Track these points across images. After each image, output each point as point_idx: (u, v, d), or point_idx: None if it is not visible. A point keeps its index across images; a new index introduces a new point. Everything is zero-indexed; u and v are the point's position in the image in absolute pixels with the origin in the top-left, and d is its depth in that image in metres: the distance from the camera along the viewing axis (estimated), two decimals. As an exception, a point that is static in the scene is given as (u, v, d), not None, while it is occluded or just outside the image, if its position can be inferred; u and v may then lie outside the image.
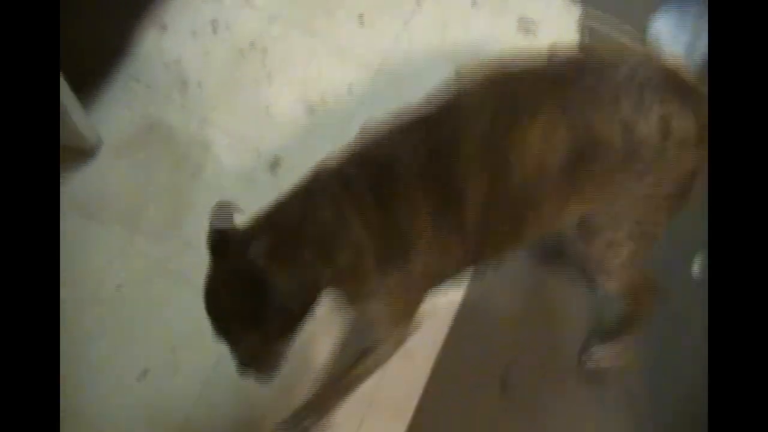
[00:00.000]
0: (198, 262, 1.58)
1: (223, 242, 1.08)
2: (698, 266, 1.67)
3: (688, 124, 1.05)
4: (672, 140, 1.04)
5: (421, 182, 1.06)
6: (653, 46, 1.89)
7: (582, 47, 1.10)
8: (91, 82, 1.76)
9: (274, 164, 1.71)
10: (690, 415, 1.54)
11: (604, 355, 1.54)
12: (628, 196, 1.11)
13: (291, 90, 1.82)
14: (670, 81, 1.07)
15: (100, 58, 1.80)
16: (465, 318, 1.58)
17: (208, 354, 1.50)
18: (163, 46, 1.85)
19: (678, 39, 1.87)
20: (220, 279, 1.08)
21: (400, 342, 1.31)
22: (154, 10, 1.88)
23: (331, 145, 1.71)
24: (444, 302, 1.58)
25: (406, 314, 1.26)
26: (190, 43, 1.85)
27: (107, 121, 1.73)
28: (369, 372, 1.35)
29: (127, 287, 1.57)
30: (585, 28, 1.93)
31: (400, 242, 1.10)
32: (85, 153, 1.67)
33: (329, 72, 1.84)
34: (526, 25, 1.93)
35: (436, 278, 1.24)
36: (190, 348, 1.52)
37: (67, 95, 1.52)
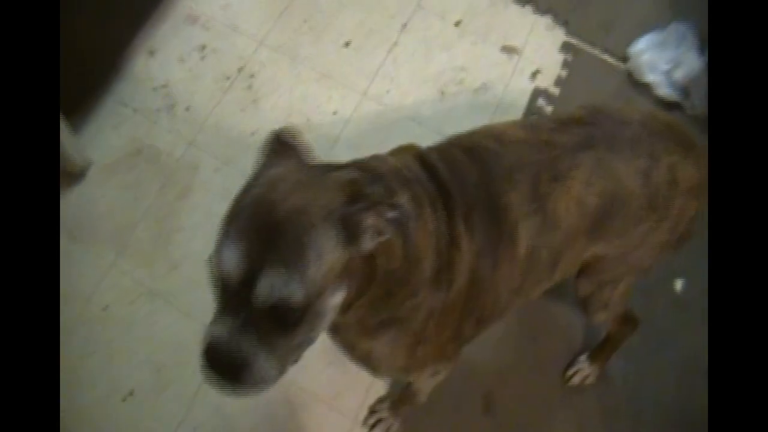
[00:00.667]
0: (184, 284, 1.61)
1: (287, 146, 0.88)
2: (680, 285, 1.71)
3: (692, 173, 1.09)
4: (679, 189, 1.08)
5: (478, 212, 1.01)
6: (633, 68, 1.95)
7: (592, 106, 1.11)
8: (80, 106, 1.78)
9: (261, 187, 1.74)
10: (669, 426, 1.57)
11: (588, 373, 1.57)
12: (644, 245, 1.14)
13: (277, 114, 1.85)
14: (674, 133, 1.11)
15: (90, 82, 1.83)
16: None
17: (194, 375, 1.51)
18: (152, 70, 1.88)
19: (657, 65, 1.93)
20: (287, 188, 0.80)
21: (438, 377, 1.22)
22: (143, 36, 1.92)
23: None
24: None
25: (420, 370, 1.15)
26: (178, 68, 1.89)
27: (96, 144, 1.75)
28: (422, 393, 1.34)
29: (113, 308, 1.58)
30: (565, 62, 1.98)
31: (452, 265, 0.99)
32: (74, 175, 1.69)
33: (315, 96, 1.88)
34: (509, 49, 1.98)
35: (475, 318, 1.11)
36: (176, 369, 1.52)
37: (56, 119, 1.54)
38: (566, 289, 1.66)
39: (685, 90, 1.91)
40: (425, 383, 1.28)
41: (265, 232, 0.76)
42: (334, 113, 1.86)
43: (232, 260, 0.76)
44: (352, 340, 1.05)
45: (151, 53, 1.90)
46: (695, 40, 1.95)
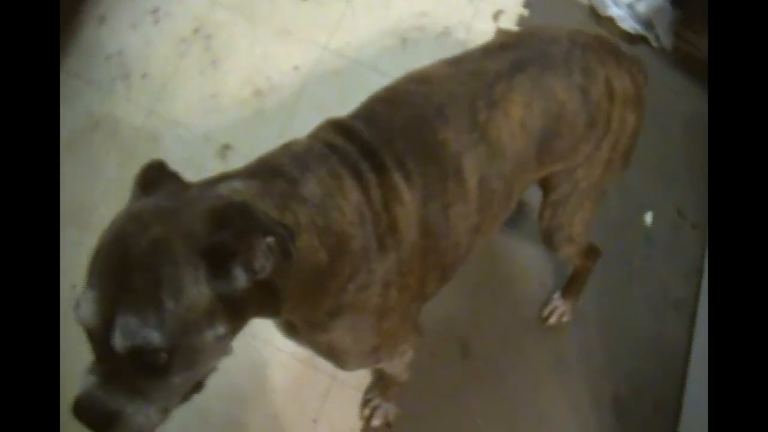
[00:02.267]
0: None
1: (164, 175, 0.83)
2: (649, 218, 1.73)
3: (627, 84, 1.08)
4: (617, 101, 1.07)
5: (413, 156, 0.97)
6: (595, 3, 1.92)
7: (517, 30, 1.07)
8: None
9: (224, 151, 1.72)
10: (642, 363, 1.61)
11: (563, 310, 1.60)
12: (588, 163, 1.12)
13: (237, 75, 1.81)
14: (603, 45, 1.10)
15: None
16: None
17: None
18: (103, 39, 1.82)
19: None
20: (149, 217, 0.74)
21: (402, 354, 1.18)
22: (91, 3, 1.85)
23: (280, 127, 1.74)
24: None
25: (391, 345, 1.09)
26: (131, 35, 1.83)
27: (52, 120, 1.72)
28: (398, 374, 1.33)
29: (81, 286, 1.57)
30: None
31: (395, 224, 0.94)
32: (32, 154, 1.66)
33: (275, 54, 1.84)
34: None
35: (438, 269, 1.07)
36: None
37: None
38: (535, 232, 1.68)
39: (648, 23, 1.89)
40: (396, 366, 1.25)
41: (120, 272, 0.70)
42: (295, 68, 1.82)
43: (88, 309, 0.71)
44: (309, 337, 1.00)
45: (101, 20, 1.85)
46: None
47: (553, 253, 1.40)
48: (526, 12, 1.92)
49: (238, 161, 1.64)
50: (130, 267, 0.70)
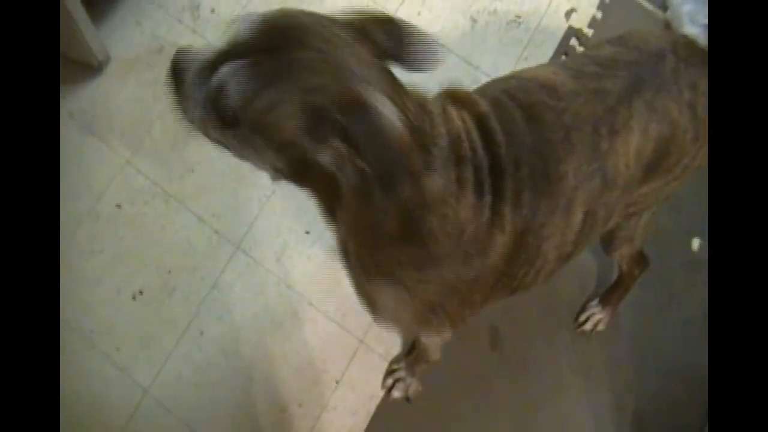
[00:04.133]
0: (198, 188, 1.58)
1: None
2: (697, 245, 1.68)
3: None
4: None
5: (530, 189, 0.94)
6: (673, 22, 1.86)
7: (617, 39, 1.03)
8: (101, -2, 1.72)
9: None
10: (669, 385, 1.57)
11: (599, 318, 1.56)
12: (684, 174, 1.09)
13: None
14: (701, 57, 1.04)
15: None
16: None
17: (202, 282, 1.51)
18: (179, -33, 1.80)
19: (698, 17, 1.84)
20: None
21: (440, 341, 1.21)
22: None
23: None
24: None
25: (432, 328, 1.09)
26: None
27: (117, 38, 1.68)
28: (433, 349, 1.33)
29: (125, 206, 1.55)
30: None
31: (487, 250, 0.93)
32: (93, 68, 1.63)
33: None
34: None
35: (508, 290, 1.05)
36: (185, 272, 1.51)
37: (77, 9, 1.48)
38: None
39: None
40: (432, 342, 1.25)
41: (279, 46, 0.76)
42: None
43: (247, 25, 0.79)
44: (358, 276, 0.99)
45: (179, -52, 1.82)
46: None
47: (606, 252, 1.35)
48: (599, 14, 1.87)
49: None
50: (287, 48, 0.75)
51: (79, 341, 1.46)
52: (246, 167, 1.63)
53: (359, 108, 0.73)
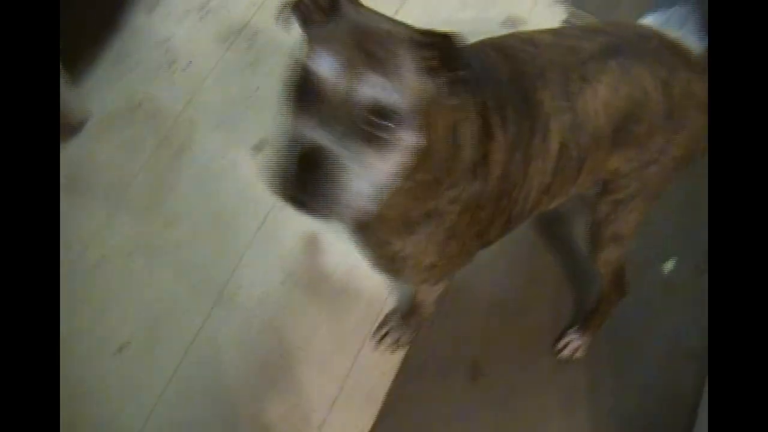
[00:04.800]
0: (180, 240, 1.62)
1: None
2: (669, 266, 1.73)
3: (704, 89, 1.13)
4: (694, 101, 1.13)
5: (512, 106, 1.04)
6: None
7: (612, 20, 1.14)
8: (80, 58, 1.77)
9: (259, 147, 1.74)
10: (650, 408, 1.60)
11: (578, 345, 1.60)
12: (660, 158, 1.17)
13: (276, 75, 1.84)
14: (685, 52, 1.16)
15: (90, 35, 1.81)
16: (437, 306, 1.62)
17: (187, 330, 1.53)
18: (153, 25, 1.86)
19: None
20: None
21: (440, 286, 1.29)
22: (144, -9, 1.90)
23: (317, 130, 1.76)
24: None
25: (442, 270, 1.17)
26: (179, 25, 1.87)
27: (95, 97, 1.74)
28: (428, 304, 1.44)
29: (108, 260, 1.58)
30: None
31: (487, 158, 1.02)
32: (72, 128, 1.68)
33: (317, 59, 1.86)
34: (512, 22, 1.97)
35: (506, 215, 1.14)
36: (169, 324, 1.54)
37: (55, 69, 1.53)
38: (555, 258, 1.69)
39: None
40: (429, 292, 1.34)
41: (361, 47, 0.77)
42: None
43: (329, 65, 0.76)
44: (386, 236, 1.04)
45: (152, 9, 1.88)
46: (696, 24, 1.94)
47: (593, 252, 1.38)
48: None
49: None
50: (370, 44, 0.78)
51: (63, 395, 1.47)
52: (226, 220, 1.69)
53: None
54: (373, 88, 0.76)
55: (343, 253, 1.63)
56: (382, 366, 1.55)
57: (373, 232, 1.05)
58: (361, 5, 0.87)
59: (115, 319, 1.54)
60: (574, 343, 1.60)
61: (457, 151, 0.96)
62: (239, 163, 1.71)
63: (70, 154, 1.67)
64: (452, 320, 1.62)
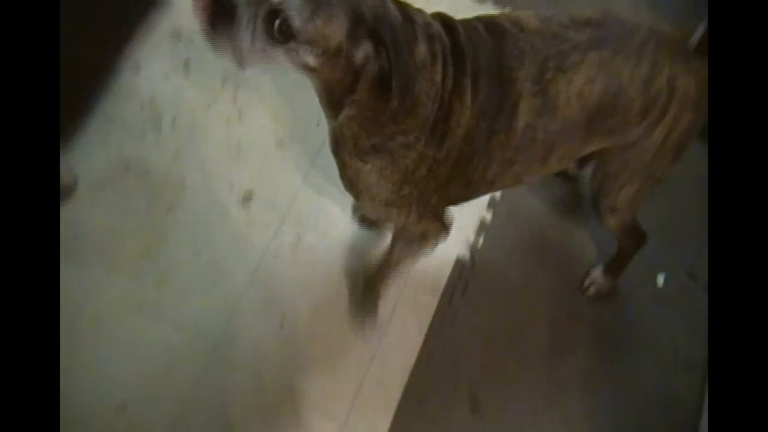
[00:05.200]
0: (173, 297, 1.64)
1: None
2: (661, 280, 1.75)
3: (690, 86, 1.17)
4: (676, 98, 1.17)
5: (486, 77, 1.12)
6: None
7: (603, 9, 1.19)
8: (67, 122, 1.81)
9: (247, 198, 1.78)
10: (650, 421, 1.61)
11: (602, 283, 1.69)
12: (639, 145, 1.23)
13: (261, 125, 1.88)
14: (677, 46, 1.19)
15: (76, 98, 1.85)
16: (434, 338, 1.64)
17: (185, 385, 1.55)
18: (138, 85, 1.91)
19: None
20: None
21: (421, 238, 1.35)
22: (129, 52, 1.95)
23: (301, 176, 1.80)
24: (413, 326, 1.65)
25: (402, 212, 1.25)
26: (164, 83, 1.92)
27: (84, 160, 1.78)
28: (400, 263, 1.48)
29: (104, 321, 1.60)
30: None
31: (450, 116, 1.12)
32: (63, 192, 1.71)
33: (298, 107, 1.91)
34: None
35: (465, 178, 1.22)
36: (167, 379, 1.56)
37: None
38: (547, 284, 1.71)
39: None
40: (403, 252, 1.41)
41: None
42: (317, 124, 1.89)
43: None
44: (345, 158, 1.16)
45: (137, 69, 1.93)
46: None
47: (599, 221, 1.47)
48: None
49: (259, 208, 1.74)
50: None
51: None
52: (218, 271, 1.71)
53: (382, 12, 0.98)
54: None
55: (339, 295, 1.66)
56: (381, 405, 1.56)
57: (339, 152, 1.17)
58: None
59: (112, 380, 1.55)
60: (599, 281, 1.69)
61: (410, 106, 1.06)
62: (229, 214, 1.75)
63: (62, 218, 1.69)
64: (450, 352, 1.65)
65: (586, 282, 1.71)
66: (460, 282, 1.72)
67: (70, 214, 1.70)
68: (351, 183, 1.21)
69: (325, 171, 1.81)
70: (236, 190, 1.78)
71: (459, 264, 1.74)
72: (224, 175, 1.80)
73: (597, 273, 1.70)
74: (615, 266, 1.67)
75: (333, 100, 1.08)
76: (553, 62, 1.13)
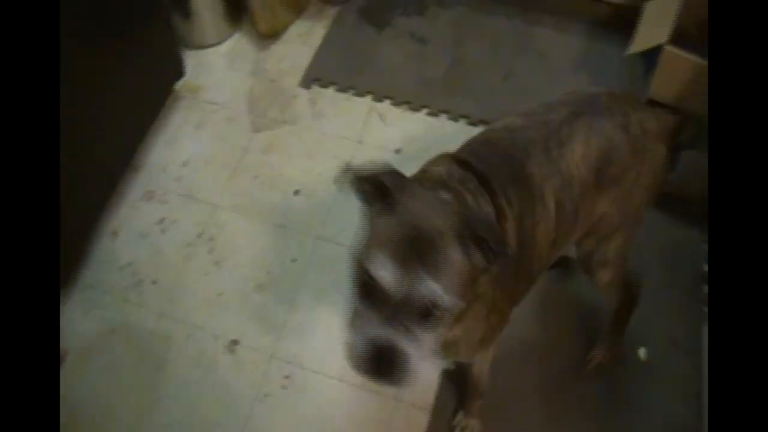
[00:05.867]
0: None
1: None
2: (643, 353, 1.81)
3: (654, 124, 1.37)
4: (649, 136, 1.35)
5: (511, 185, 1.23)
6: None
7: (566, 92, 1.40)
8: (50, 296, 1.86)
9: (232, 346, 1.82)
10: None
11: (602, 355, 1.78)
12: (634, 189, 1.37)
13: (239, 272, 1.96)
14: (632, 98, 1.44)
15: (60, 266, 1.92)
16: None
17: None
18: (116, 250, 1.98)
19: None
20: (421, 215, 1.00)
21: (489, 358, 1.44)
22: (105, 218, 2.04)
23: (283, 318, 1.85)
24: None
25: (491, 339, 1.33)
26: (141, 244, 2.00)
27: (69, 331, 1.82)
28: (484, 377, 1.55)
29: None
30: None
31: (506, 233, 1.20)
32: (52, 366, 1.75)
33: (273, 248, 2.00)
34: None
35: (527, 275, 1.32)
36: None
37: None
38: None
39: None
40: (482, 361, 1.48)
41: (414, 250, 0.94)
42: (293, 260, 1.97)
43: (389, 271, 0.94)
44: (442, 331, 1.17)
45: (114, 234, 2.02)
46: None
47: (590, 280, 1.55)
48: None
49: (245, 355, 1.77)
50: (421, 246, 0.95)
51: None
52: (211, 424, 1.72)
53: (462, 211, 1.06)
54: (428, 290, 0.94)
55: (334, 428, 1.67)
56: None
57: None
58: (415, 188, 1.06)
59: None
60: (600, 354, 1.77)
61: None
62: (217, 364, 1.79)
63: (53, 392, 1.72)
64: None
65: (587, 360, 1.79)
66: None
67: (61, 386, 1.72)
68: (447, 347, 1.23)
69: (308, 306, 1.87)
70: (221, 339, 1.83)
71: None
72: (208, 327, 1.85)
73: (596, 350, 1.79)
74: (615, 330, 1.76)
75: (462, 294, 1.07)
76: (552, 142, 1.28)
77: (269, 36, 2.49)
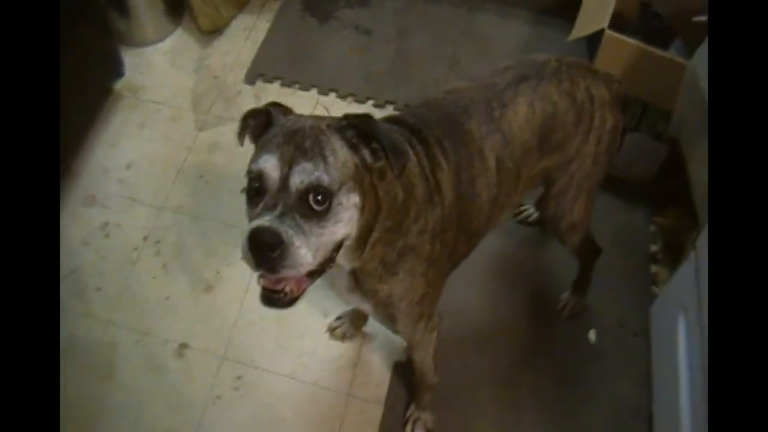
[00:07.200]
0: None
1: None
2: (593, 335, 1.84)
3: (603, 91, 1.40)
4: (596, 104, 1.38)
5: (448, 140, 1.26)
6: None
7: (515, 58, 1.43)
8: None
9: (181, 350, 1.78)
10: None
11: (574, 303, 1.84)
12: (579, 157, 1.41)
13: (187, 274, 1.91)
14: (582, 65, 1.44)
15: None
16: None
17: None
18: (61, 254, 1.92)
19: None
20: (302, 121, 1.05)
21: (432, 330, 1.40)
22: (45, 227, 1.97)
23: (232, 319, 1.82)
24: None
25: (431, 299, 1.30)
26: (83, 251, 1.94)
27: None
28: (428, 368, 1.54)
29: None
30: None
31: (439, 185, 1.22)
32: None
33: (221, 248, 1.96)
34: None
35: (466, 233, 1.32)
36: None
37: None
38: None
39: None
40: (424, 346, 1.45)
41: (293, 143, 0.98)
42: (243, 259, 1.93)
43: (271, 162, 0.97)
44: (375, 285, 1.20)
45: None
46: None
47: (560, 242, 1.63)
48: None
49: (196, 358, 1.74)
50: (299, 139, 0.99)
51: None
52: (163, 429, 1.66)
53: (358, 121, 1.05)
54: (304, 173, 0.96)
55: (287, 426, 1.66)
56: None
57: (362, 286, 1.21)
58: (290, 111, 1.09)
59: None
60: (570, 303, 1.84)
61: (410, 192, 1.16)
62: (166, 369, 1.74)
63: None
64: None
65: (560, 306, 1.85)
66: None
67: None
68: (386, 306, 1.24)
69: (258, 305, 1.83)
70: (171, 344, 1.79)
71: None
72: (157, 332, 1.80)
73: (566, 296, 1.86)
74: (581, 283, 1.83)
75: (365, 234, 1.09)
76: (495, 102, 1.31)
77: (211, 31, 2.44)
